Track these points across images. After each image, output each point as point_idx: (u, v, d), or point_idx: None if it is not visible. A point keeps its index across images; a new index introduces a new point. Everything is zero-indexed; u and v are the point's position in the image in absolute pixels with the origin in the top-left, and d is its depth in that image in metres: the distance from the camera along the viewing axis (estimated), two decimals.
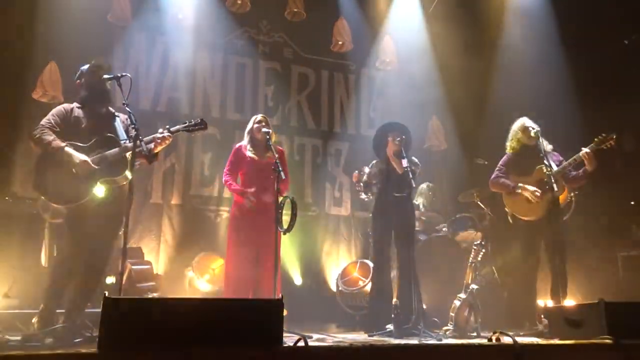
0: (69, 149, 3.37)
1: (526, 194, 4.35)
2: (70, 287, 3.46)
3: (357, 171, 4.73)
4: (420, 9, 7.24)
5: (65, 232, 3.54)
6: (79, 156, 3.37)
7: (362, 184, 4.57)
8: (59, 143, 3.36)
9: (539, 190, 4.30)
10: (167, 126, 3.59)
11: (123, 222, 3.55)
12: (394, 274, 4.60)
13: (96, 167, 3.38)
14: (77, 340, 3.15)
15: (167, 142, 3.55)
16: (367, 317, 4.79)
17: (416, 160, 4.57)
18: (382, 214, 4.57)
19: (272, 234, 3.79)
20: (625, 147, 5.90)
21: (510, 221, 4.69)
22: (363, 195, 4.63)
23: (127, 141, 3.47)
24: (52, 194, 3.40)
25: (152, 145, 3.47)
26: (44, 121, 3.46)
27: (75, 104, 3.59)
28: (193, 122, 3.63)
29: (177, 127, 3.60)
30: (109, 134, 3.49)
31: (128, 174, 3.42)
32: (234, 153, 4.39)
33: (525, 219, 4.41)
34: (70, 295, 3.46)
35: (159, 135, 3.52)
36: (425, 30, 7.22)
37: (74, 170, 3.35)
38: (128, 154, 3.42)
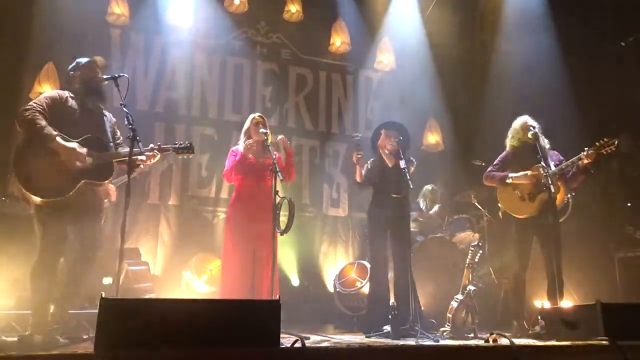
0: (60, 139, 3.25)
1: (521, 181, 4.28)
2: (59, 286, 3.36)
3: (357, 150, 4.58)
4: (418, 10, 7.25)
5: (39, 228, 3.28)
6: (68, 144, 3.26)
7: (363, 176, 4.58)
8: (51, 130, 3.24)
9: (530, 172, 4.22)
10: (159, 143, 3.65)
11: (103, 214, 3.59)
12: (391, 274, 4.60)
13: (86, 155, 3.31)
14: (74, 340, 3.14)
15: (154, 159, 3.60)
16: (365, 318, 4.79)
17: (412, 158, 4.57)
18: (378, 214, 4.58)
19: (270, 235, 3.79)
20: (621, 148, 5.91)
21: (501, 217, 4.67)
22: (358, 180, 4.61)
23: (112, 144, 3.51)
24: (31, 183, 3.20)
25: (143, 157, 3.51)
26: (35, 104, 3.30)
27: (68, 93, 3.50)
28: (183, 145, 3.70)
29: (167, 146, 3.68)
30: (98, 135, 3.46)
31: (110, 181, 3.49)
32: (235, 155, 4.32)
33: (518, 216, 4.36)
34: (60, 296, 3.39)
35: (148, 151, 3.55)
36: (423, 31, 7.23)
37: (62, 158, 3.25)
38: (115, 161, 3.44)
